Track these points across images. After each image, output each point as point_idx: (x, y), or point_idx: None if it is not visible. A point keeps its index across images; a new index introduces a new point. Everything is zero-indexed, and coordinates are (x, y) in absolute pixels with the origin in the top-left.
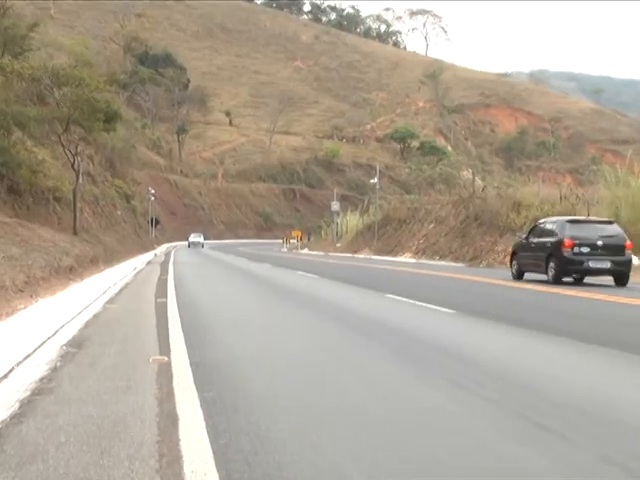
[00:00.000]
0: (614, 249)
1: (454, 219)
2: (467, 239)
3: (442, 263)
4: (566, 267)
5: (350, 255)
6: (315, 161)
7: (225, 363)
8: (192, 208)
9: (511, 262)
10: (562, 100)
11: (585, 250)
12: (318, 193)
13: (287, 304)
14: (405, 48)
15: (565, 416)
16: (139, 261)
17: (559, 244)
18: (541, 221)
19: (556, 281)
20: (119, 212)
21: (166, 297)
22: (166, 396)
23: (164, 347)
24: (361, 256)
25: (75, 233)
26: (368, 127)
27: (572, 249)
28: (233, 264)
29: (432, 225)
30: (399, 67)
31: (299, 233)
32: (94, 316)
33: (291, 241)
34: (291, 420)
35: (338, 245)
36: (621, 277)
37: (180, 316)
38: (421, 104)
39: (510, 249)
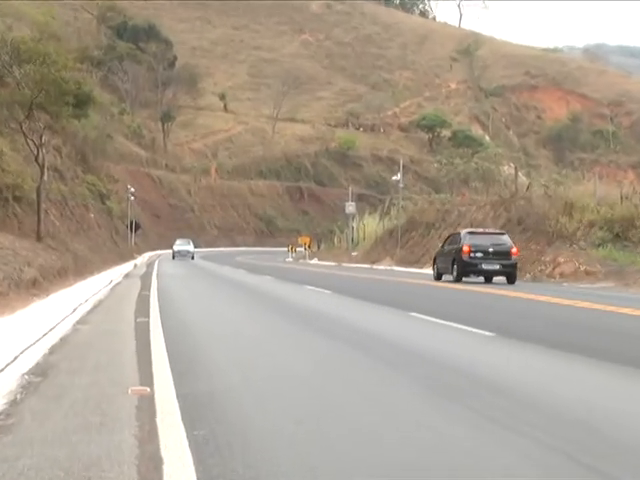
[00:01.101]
0: (502, 254)
1: (493, 223)
2: None
3: None
4: (465, 269)
5: (368, 266)
6: (326, 154)
7: (219, 395)
8: (179, 210)
9: (433, 266)
10: (623, 80)
11: (479, 255)
12: (330, 192)
13: (294, 326)
14: (434, 19)
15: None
16: (116, 273)
17: (460, 250)
18: (453, 233)
19: (457, 280)
20: (92, 214)
21: (148, 316)
22: (148, 435)
23: (146, 376)
24: (381, 267)
25: (39, 239)
26: (390, 113)
27: (469, 254)
28: (229, 277)
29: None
30: (427, 41)
31: (307, 240)
32: (62, 339)
33: (298, 249)
34: (301, 466)
35: (354, 254)
36: (510, 276)
37: (165, 339)
38: (453, 86)
39: (557, 259)
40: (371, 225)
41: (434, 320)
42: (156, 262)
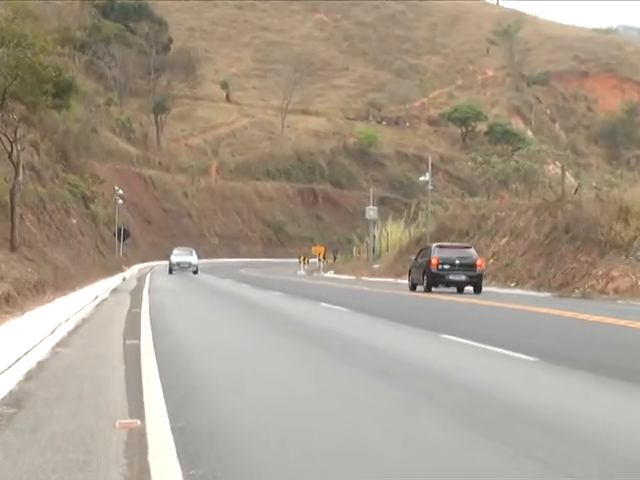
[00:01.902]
0: (468, 266)
1: (536, 231)
2: (554, 259)
3: (519, 292)
4: (433, 279)
5: (392, 280)
6: (344, 151)
7: (221, 429)
8: (175, 215)
9: (409, 277)
10: None
11: (447, 267)
12: (348, 195)
13: (307, 348)
14: None
15: None
16: (102, 288)
17: (429, 263)
18: (424, 247)
19: (427, 290)
20: (74, 220)
21: (139, 338)
22: (138, 475)
23: (136, 407)
24: (407, 282)
25: (13, 249)
26: (417, 104)
27: (437, 266)
28: (231, 293)
29: (505, 239)
30: (460, 21)
31: (322, 250)
32: (39, 364)
33: (311, 261)
34: None
35: (375, 267)
36: (476, 286)
37: (158, 364)
38: (490, 73)
39: (611, 272)
40: (395, 233)
41: (468, 342)
42: (148, 275)
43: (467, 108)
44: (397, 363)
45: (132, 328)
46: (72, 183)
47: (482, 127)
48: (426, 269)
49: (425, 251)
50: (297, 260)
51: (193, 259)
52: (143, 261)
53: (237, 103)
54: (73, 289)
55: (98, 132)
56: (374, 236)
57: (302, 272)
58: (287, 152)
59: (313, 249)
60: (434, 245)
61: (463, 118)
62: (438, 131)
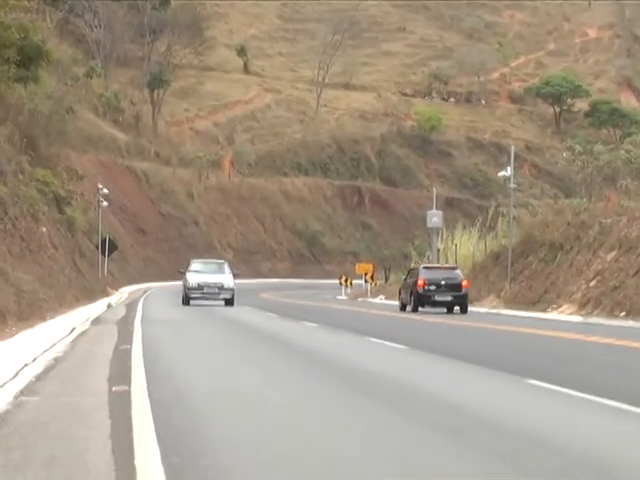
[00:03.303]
0: (453, 287)
1: None
2: None
3: (632, 324)
4: (420, 300)
5: None
6: (398, 138)
7: None
8: (176, 222)
9: (399, 297)
10: None
11: (433, 288)
12: (403, 195)
13: (349, 397)
14: None
15: None
16: (81, 317)
17: (416, 284)
18: (412, 268)
19: (415, 309)
20: (44, 228)
21: (129, 385)
22: None
23: (126, 476)
24: (482, 310)
25: None
26: (495, 76)
27: (424, 287)
28: (251, 324)
29: (613, 254)
30: None
31: (369, 268)
32: None
33: (355, 282)
34: None
35: None
36: (462, 307)
37: (154, 418)
38: (593, 34)
39: None
40: (466, 246)
41: (566, 392)
42: (141, 300)
43: (562, 81)
44: (471, 419)
45: (120, 371)
46: (42, 180)
47: (582, 105)
48: (413, 290)
49: (413, 272)
50: (337, 281)
51: (226, 279)
52: (133, 282)
53: (258, 75)
54: (43, 319)
55: (76, 113)
56: (438, 250)
57: (343, 297)
58: (324, 139)
59: (357, 267)
60: (421, 267)
61: (556, 94)
62: (523, 111)
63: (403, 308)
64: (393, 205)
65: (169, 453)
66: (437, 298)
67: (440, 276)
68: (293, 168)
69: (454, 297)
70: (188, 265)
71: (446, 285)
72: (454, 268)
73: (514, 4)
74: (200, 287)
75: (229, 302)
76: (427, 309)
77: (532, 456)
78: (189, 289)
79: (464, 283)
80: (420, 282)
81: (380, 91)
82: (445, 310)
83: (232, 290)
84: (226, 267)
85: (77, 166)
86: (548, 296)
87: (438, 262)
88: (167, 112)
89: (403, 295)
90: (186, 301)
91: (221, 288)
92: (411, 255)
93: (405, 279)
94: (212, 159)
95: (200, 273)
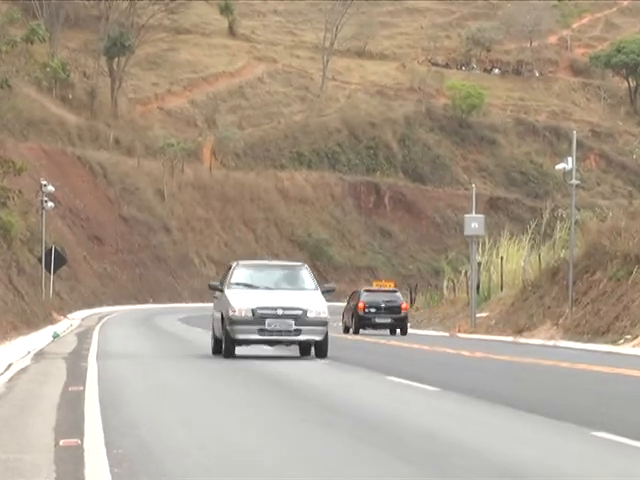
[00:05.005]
0: (393, 309)
1: None
2: None
3: None
4: (361, 322)
5: (509, 339)
6: (427, 120)
7: None
8: (142, 227)
9: (342, 320)
10: None
11: (373, 310)
12: (433, 194)
13: (371, 453)
14: None
15: None
16: (18, 350)
17: (356, 307)
18: (355, 290)
19: (356, 332)
20: None
21: (81, 437)
22: None
23: None
24: (536, 342)
25: None
26: (552, 41)
27: (364, 310)
28: (239, 358)
29: None
30: None
31: (390, 286)
32: None
33: None
34: None
35: (480, 316)
36: (401, 329)
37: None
38: None
39: None
40: (515, 259)
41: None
42: (96, 329)
43: (639, 47)
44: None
45: (70, 419)
46: None
47: None
48: (354, 312)
49: (354, 295)
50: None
51: (311, 300)
52: (88, 305)
53: (248, 39)
54: None
55: (12, 88)
56: (479, 264)
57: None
58: (331, 122)
59: (374, 285)
60: (362, 290)
61: (632, 64)
62: (589, 86)
63: (346, 330)
64: (420, 207)
65: None
66: (377, 320)
67: (380, 299)
68: (292, 159)
69: (394, 319)
70: (228, 272)
71: (386, 308)
72: (394, 291)
73: None
74: (260, 318)
75: (318, 350)
76: (369, 331)
77: None
78: (234, 322)
79: (404, 306)
80: (360, 305)
81: (404, 60)
82: (388, 332)
83: (324, 324)
84: (307, 275)
85: (14, 156)
86: (620, 324)
87: (478, 281)
88: (130, 87)
89: (346, 318)
90: (227, 349)
91: (300, 320)
92: (443, 271)
93: (348, 302)
94: (188, 147)
95: (256, 289)
